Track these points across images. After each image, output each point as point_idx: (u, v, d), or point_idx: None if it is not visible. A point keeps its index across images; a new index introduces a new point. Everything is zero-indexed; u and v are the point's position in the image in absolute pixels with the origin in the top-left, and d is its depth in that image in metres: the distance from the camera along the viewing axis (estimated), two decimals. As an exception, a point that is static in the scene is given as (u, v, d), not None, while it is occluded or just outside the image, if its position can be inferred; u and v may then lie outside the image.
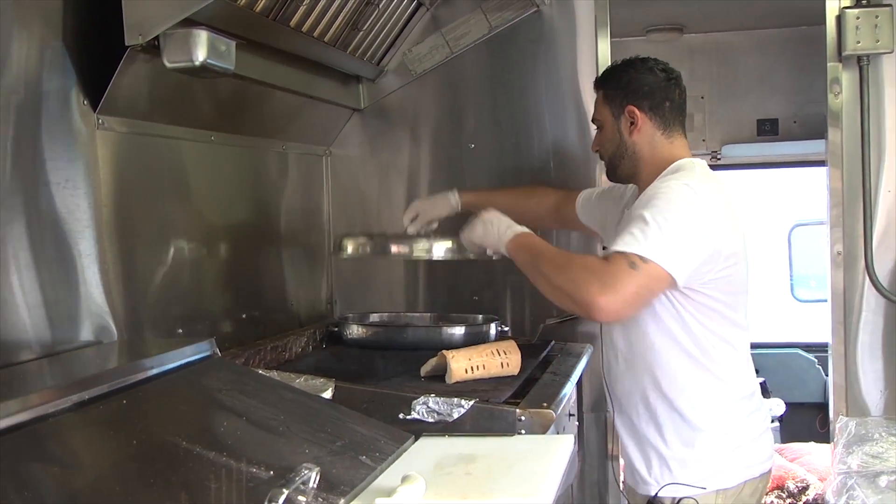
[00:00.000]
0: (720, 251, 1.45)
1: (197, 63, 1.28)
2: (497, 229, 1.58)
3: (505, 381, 1.60)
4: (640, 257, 1.38)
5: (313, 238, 2.28)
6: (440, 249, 1.78)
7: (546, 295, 1.48)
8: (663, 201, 1.43)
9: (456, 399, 1.43)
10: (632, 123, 1.57)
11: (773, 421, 3.00)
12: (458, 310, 2.17)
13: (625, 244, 1.40)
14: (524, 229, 1.57)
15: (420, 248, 1.79)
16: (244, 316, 1.88)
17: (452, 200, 1.95)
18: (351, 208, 2.32)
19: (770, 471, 1.58)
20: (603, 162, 1.69)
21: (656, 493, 1.51)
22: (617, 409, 1.63)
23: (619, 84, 1.59)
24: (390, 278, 2.33)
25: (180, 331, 1.62)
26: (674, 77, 1.59)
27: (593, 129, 1.74)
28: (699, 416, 1.51)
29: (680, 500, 1.49)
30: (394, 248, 1.81)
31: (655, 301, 1.47)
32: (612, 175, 1.65)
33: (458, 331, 1.91)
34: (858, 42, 2.04)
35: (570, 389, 1.65)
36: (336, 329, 2.03)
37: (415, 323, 2.13)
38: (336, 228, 2.33)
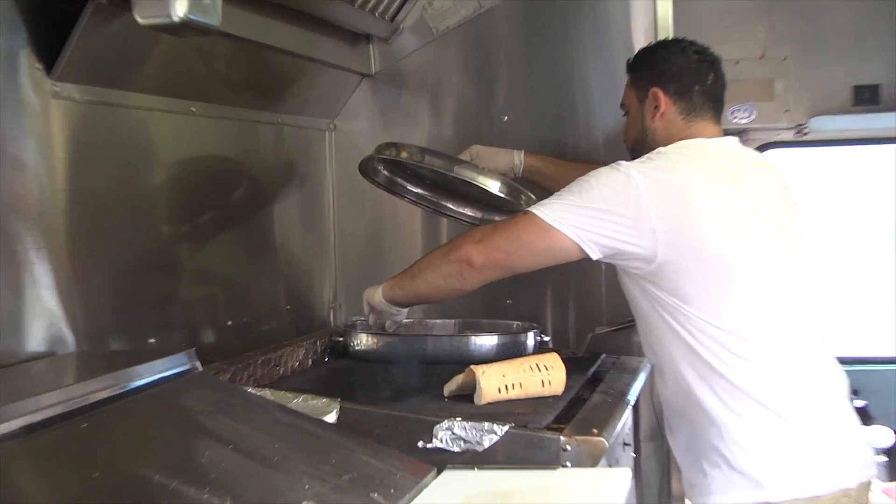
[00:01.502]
0: (655, 228, 1.51)
1: (176, 19, 1.24)
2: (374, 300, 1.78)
3: (546, 402, 1.60)
4: (524, 211, 1.58)
5: (314, 229, 2.29)
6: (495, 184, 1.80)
7: (441, 295, 1.69)
8: (583, 181, 1.56)
9: (487, 424, 1.42)
10: (655, 108, 1.67)
11: (877, 454, 2.92)
12: (489, 315, 2.17)
13: None
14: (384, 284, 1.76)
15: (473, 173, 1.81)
16: (230, 323, 1.90)
17: (516, 160, 2.03)
18: (359, 193, 2.32)
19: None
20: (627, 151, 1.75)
21: None
22: (665, 428, 1.72)
23: (646, 65, 1.70)
24: None
25: (152, 340, 1.63)
26: (709, 60, 1.68)
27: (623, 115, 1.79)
28: (724, 430, 1.56)
29: None
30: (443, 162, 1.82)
31: (661, 309, 1.57)
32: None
33: (490, 341, 1.91)
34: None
35: (625, 413, 1.64)
36: (341, 339, 2.04)
37: (436, 331, 2.13)
38: (341, 217, 2.35)
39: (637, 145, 1.72)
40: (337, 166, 2.33)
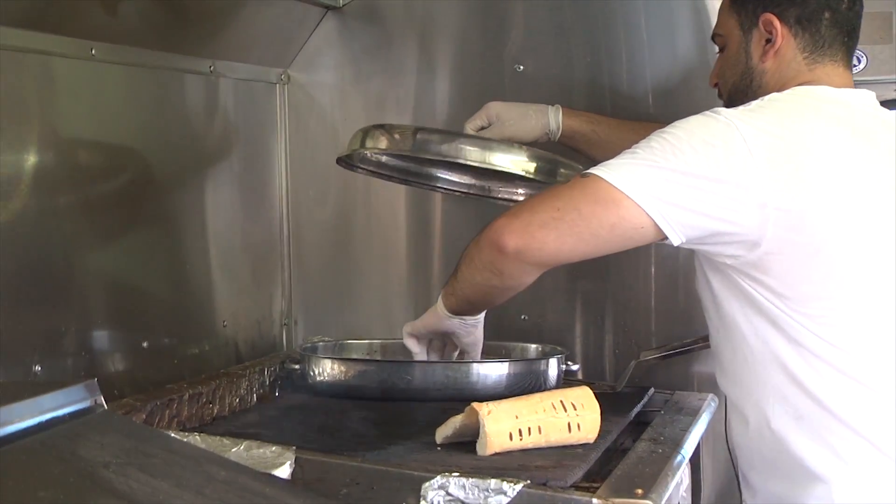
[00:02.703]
0: (767, 203, 1.49)
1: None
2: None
3: (574, 452, 1.60)
4: (582, 174, 1.57)
5: (259, 218, 2.31)
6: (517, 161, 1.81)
7: (485, 296, 1.73)
8: (665, 133, 1.54)
9: (494, 481, 1.42)
10: (767, 41, 1.65)
11: None
12: (498, 336, 2.16)
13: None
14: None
15: (482, 153, 1.81)
16: (145, 345, 1.90)
17: (552, 121, 2.00)
18: (320, 169, 2.34)
19: None
20: (722, 101, 1.75)
21: None
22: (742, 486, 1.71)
23: None
24: (385, 282, 2.35)
25: (37, 368, 1.63)
26: None
27: (715, 51, 1.78)
28: (833, 490, 1.56)
29: None
30: (443, 146, 1.82)
31: (755, 316, 1.56)
32: None
33: (498, 370, 1.92)
34: None
35: (680, 469, 1.64)
36: (297, 367, 2.04)
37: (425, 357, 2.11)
38: (296, 202, 2.38)
39: (736, 93, 1.70)
40: (291, 132, 2.35)
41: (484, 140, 1.86)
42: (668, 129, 1.54)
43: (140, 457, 1.30)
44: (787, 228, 1.49)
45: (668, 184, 1.49)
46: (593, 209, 1.52)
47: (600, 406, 1.65)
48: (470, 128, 1.99)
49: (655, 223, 1.50)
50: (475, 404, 1.59)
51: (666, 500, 1.49)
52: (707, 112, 1.55)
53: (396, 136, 1.83)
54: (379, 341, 2.21)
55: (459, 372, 1.92)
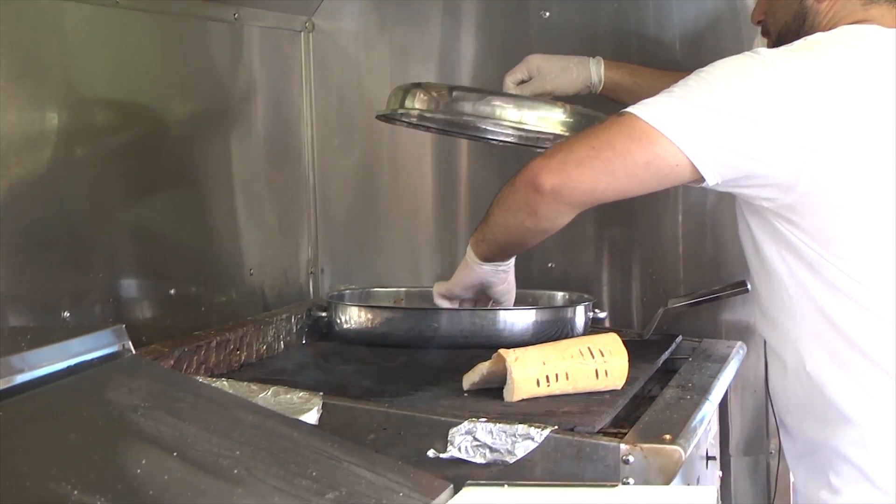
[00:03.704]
0: (804, 145, 1.47)
1: None
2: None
3: (602, 398, 1.60)
4: (619, 112, 1.54)
5: (285, 168, 2.31)
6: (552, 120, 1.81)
7: (517, 238, 1.71)
8: (703, 73, 1.52)
9: (521, 427, 1.42)
10: None
11: None
12: (525, 284, 2.12)
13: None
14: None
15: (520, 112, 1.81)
16: (173, 292, 1.90)
17: (593, 74, 1.98)
18: (346, 117, 2.34)
19: None
20: (766, 39, 1.73)
21: None
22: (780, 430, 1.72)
23: None
24: (411, 231, 2.36)
25: (66, 314, 1.64)
26: None
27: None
28: (865, 433, 1.56)
29: None
30: (484, 108, 1.82)
31: (792, 259, 1.55)
32: None
33: (525, 317, 1.93)
34: None
35: (708, 415, 1.65)
36: (324, 314, 2.05)
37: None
38: (322, 152, 2.37)
39: (787, 33, 1.66)
40: (316, 81, 2.34)
41: (521, 99, 1.84)
42: (706, 68, 1.52)
43: (168, 401, 1.31)
44: (826, 170, 1.47)
45: (704, 122, 1.48)
46: (627, 146, 1.50)
47: (628, 353, 1.65)
48: (510, 81, 1.96)
49: (690, 161, 1.48)
50: (502, 351, 1.60)
51: (694, 445, 1.49)
52: (747, 52, 1.54)
53: (435, 94, 1.83)
54: (405, 289, 2.22)
55: (486, 319, 1.92)
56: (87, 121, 1.73)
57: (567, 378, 1.60)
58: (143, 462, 1.15)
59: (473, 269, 1.81)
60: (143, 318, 1.83)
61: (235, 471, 1.17)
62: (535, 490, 1.35)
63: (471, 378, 1.63)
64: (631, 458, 1.39)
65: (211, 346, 1.81)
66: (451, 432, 1.43)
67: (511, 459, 1.40)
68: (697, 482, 1.69)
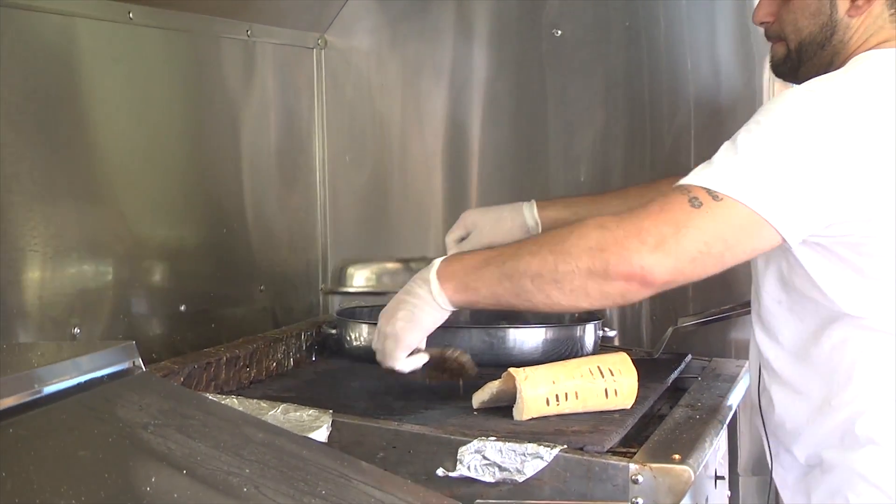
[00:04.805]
0: (869, 187, 1.41)
1: None
2: (416, 297, 1.56)
3: (611, 417, 1.61)
4: (709, 191, 1.40)
5: (297, 184, 2.31)
6: None
7: (544, 307, 1.49)
8: (766, 115, 1.44)
9: (531, 446, 1.42)
10: None
11: None
12: (533, 302, 2.15)
13: (691, 176, 1.44)
14: (441, 259, 1.58)
15: None
16: (183, 308, 1.91)
17: (528, 217, 1.96)
18: (358, 135, 2.35)
19: None
20: (772, 44, 1.65)
21: None
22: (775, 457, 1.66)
23: None
24: (422, 247, 2.35)
25: (77, 330, 1.64)
26: None
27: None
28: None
29: None
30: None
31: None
32: (789, 69, 1.63)
33: (535, 336, 1.93)
34: None
35: (718, 435, 1.65)
36: (334, 331, 2.06)
37: (462, 322, 2.11)
38: (334, 169, 2.37)
39: (811, 45, 1.59)
40: (328, 97, 2.35)
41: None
42: (772, 120, 1.43)
43: (178, 418, 1.31)
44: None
45: (803, 197, 1.40)
46: (739, 238, 1.42)
47: (637, 372, 1.65)
48: (450, 240, 1.96)
49: (785, 239, 1.42)
50: (512, 370, 1.60)
51: (703, 465, 1.49)
52: (801, 92, 1.47)
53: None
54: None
55: (496, 338, 1.92)
56: (104, 136, 1.74)
57: (577, 397, 1.60)
58: (153, 480, 1.15)
59: (436, 313, 1.56)
60: (153, 334, 1.83)
61: (245, 489, 1.17)
62: (544, 509, 1.36)
63: (480, 397, 1.63)
64: (640, 478, 1.39)
65: (221, 363, 1.81)
66: (460, 451, 1.43)
67: (520, 478, 1.40)
68: (706, 502, 1.68)
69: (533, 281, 1.46)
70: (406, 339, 1.57)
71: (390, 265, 2.23)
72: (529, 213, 1.96)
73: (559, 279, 1.44)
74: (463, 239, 1.96)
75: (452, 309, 1.56)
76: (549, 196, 2.05)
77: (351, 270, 2.05)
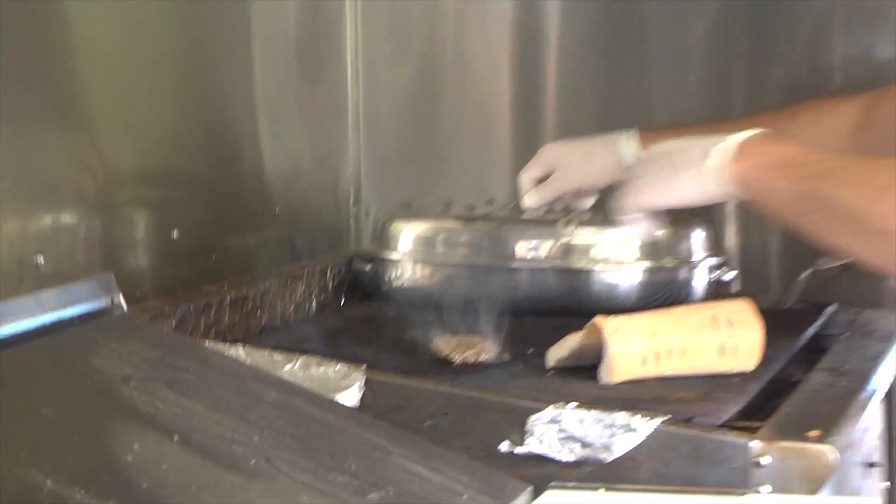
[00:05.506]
0: None
1: None
2: (689, 155, 1.67)
3: (728, 382, 1.61)
4: None
5: (322, 80, 2.33)
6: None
7: (845, 248, 1.56)
8: None
9: (622, 415, 1.42)
10: None
11: None
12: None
13: None
14: (753, 132, 1.64)
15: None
16: (176, 234, 1.92)
17: (626, 151, 1.94)
18: (400, 18, 2.39)
19: None
20: None
21: None
22: None
23: None
24: (482, 158, 2.38)
25: (41, 260, 1.66)
26: None
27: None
28: None
29: None
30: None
31: None
32: None
33: (629, 276, 1.94)
34: None
35: (868, 407, 1.64)
36: (368, 268, 2.07)
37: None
38: (368, 59, 2.40)
39: None
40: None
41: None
42: None
43: (169, 371, 1.32)
44: None
45: None
46: None
47: (763, 325, 1.65)
48: (525, 179, 1.98)
49: None
50: (598, 319, 1.61)
51: (849, 446, 1.49)
52: None
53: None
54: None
55: (580, 278, 1.93)
56: (73, 28, 1.75)
57: (682, 356, 1.61)
58: (136, 447, 1.15)
59: (706, 190, 1.67)
60: (138, 266, 1.84)
61: (252, 461, 1.18)
62: (638, 497, 1.33)
63: (557, 353, 1.64)
64: (765, 460, 1.38)
65: (224, 305, 1.83)
66: (530, 421, 1.42)
67: (607, 457, 1.39)
68: (855, 492, 1.68)
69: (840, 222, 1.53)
70: (649, 199, 1.74)
71: (448, 223, 2.20)
72: (628, 148, 1.94)
73: (847, 215, 1.52)
74: (542, 180, 1.98)
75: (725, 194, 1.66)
76: (650, 123, 2.04)
77: (396, 227, 2.03)
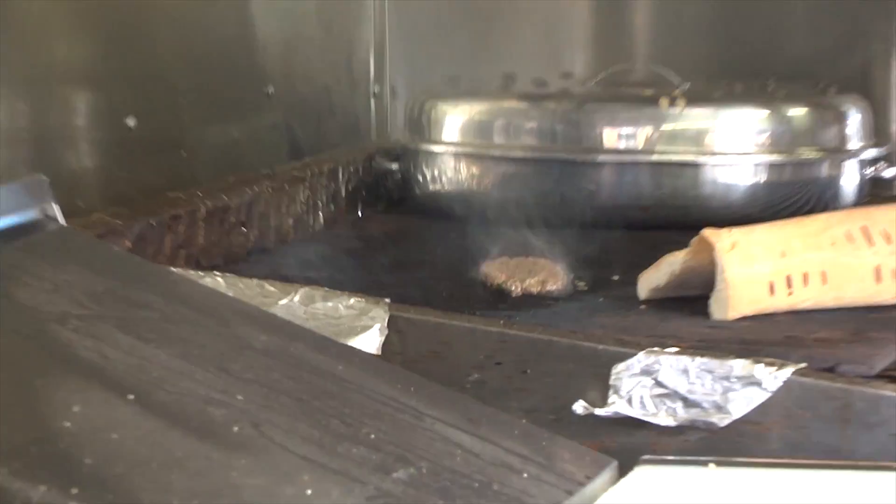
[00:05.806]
0: None
1: None
2: None
3: (885, 318, 1.62)
4: None
5: None
6: None
7: None
8: None
9: (741, 364, 1.42)
10: None
11: None
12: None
13: None
14: None
15: None
16: (132, 123, 1.94)
17: None
18: None
19: None
20: None
21: None
22: None
23: None
24: (550, 19, 2.43)
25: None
26: None
27: None
28: None
29: None
30: None
31: None
32: None
33: (753, 172, 1.96)
34: None
35: None
36: (394, 166, 2.13)
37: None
38: None
39: None
40: None
41: None
42: None
43: (121, 307, 1.34)
44: None
45: None
46: None
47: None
48: None
49: None
50: (708, 231, 1.62)
51: None
52: None
53: None
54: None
55: (682, 176, 1.95)
56: None
57: (824, 281, 1.62)
58: (76, 409, 1.16)
59: None
60: (81, 167, 1.87)
61: (236, 428, 1.19)
62: (762, 475, 1.33)
63: (653, 279, 1.67)
64: (937, 426, 1.41)
65: (197, 219, 1.86)
66: (615, 371, 1.43)
67: (722, 421, 1.40)
68: None
69: None
70: None
71: (511, 103, 2.22)
72: None
73: None
74: None
75: None
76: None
77: (439, 110, 2.05)
